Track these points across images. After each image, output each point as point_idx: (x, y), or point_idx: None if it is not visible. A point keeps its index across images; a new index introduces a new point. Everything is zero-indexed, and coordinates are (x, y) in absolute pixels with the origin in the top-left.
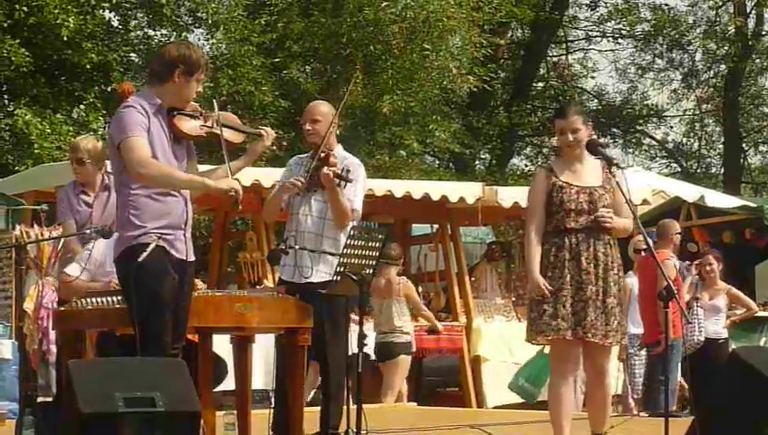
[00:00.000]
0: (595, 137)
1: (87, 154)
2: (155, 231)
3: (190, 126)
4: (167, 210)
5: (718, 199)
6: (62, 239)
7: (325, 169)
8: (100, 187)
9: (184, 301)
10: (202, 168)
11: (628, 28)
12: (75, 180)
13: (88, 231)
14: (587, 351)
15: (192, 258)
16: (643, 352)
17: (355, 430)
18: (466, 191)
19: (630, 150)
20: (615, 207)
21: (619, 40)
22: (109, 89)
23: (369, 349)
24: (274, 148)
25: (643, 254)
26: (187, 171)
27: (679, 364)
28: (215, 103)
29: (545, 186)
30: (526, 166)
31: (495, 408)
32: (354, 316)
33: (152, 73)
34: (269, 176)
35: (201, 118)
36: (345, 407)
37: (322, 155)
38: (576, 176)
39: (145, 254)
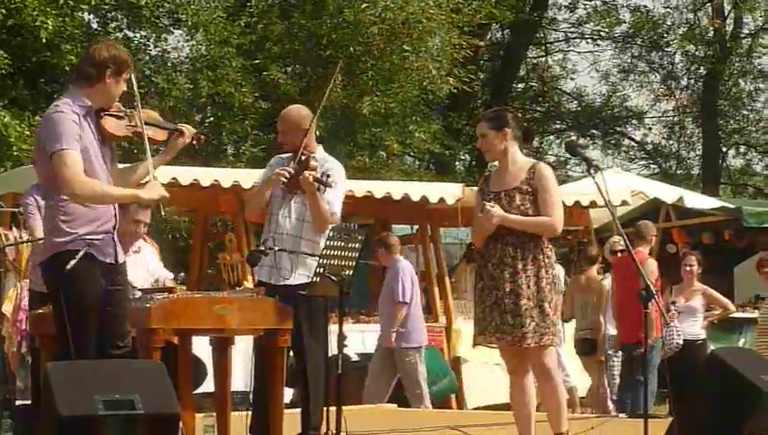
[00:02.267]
0: (574, 138)
1: None
2: (84, 237)
3: (117, 126)
4: (96, 215)
5: (697, 201)
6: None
7: (306, 174)
8: None
9: (121, 300)
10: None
11: (607, 30)
12: (38, 183)
13: None
14: (524, 354)
15: (123, 259)
16: (620, 354)
17: (335, 431)
18: (446, 192)
19: (610, 152)
20: (540, 206)
21: (598, 42)
22: None
23: (350, 350)
24: (194, 144)
25: (619, 255)
26: (112, 173)
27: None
28: (137, 100)
29: (479, 197)
30: None
31: (476, 409)
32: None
33: (82, 75)
34: (248, 177)
35: (126, 117)
36: (325, 408)
37: (302, 158)
38: (498, 182)
39: (73, 262)
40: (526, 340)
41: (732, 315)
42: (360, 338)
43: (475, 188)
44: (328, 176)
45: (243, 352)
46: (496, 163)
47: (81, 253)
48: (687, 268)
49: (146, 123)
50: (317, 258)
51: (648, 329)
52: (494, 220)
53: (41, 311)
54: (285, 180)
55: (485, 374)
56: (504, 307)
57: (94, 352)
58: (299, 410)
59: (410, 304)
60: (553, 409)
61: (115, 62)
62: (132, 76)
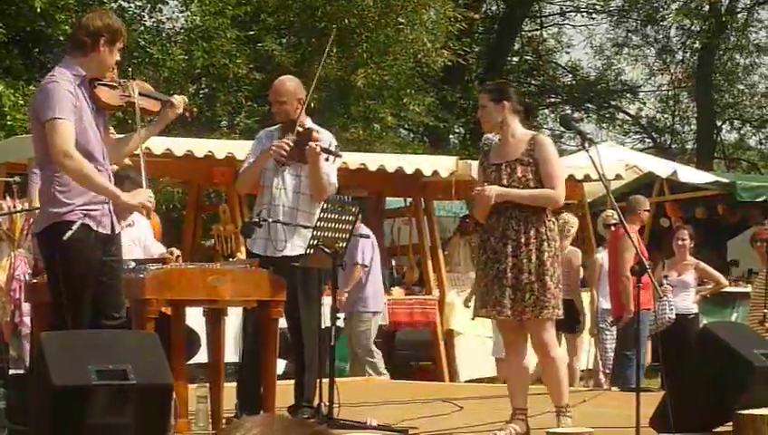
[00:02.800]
0: (569, 112)
1: None
2: (81, 208)
3: (111, 96)
4: None
5: (691, 175)
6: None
7: (312, 144)
8: None
9: (114, 271)
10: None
11: (602, 3)
12: None
13: None
14: (526, 327)
15: (118, 230)
16: (614, 328)
17: (327, 402)
18: (440, 165)
19: (604, 125)
20: (541, 178)
21: (594, 15)
22: None
23: (342, 322)
24: (186, 114)
25: (612, 229)
26: (106, 141)
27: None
28: (130, 73)
29: (481, 170)
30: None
31: (468, 382)
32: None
33: (76, 44)
34: (242, 149)
35: (120, 87)
36: (318, 380)
37: (300, 130)
38: (498, 153)
39: (70, 232)
40: (525, 313)
41: (725, 290)
42: None
43: (469, 162)
44: (337, 146)
45: (236, 323)
46: (490, 136)
47: (77, 223)
48: (680, 242)
49: (139, 94)
50: (311, 229)
51: (629, 302)
52: (492, 200)
53: (34, 281)
54: (285, 153)
55: (478, 347)
56: (505, 281)
57: (89, 322)
58: (291, 381)
59: (370, 269)
60: (553, 383)
61: (109, 31)
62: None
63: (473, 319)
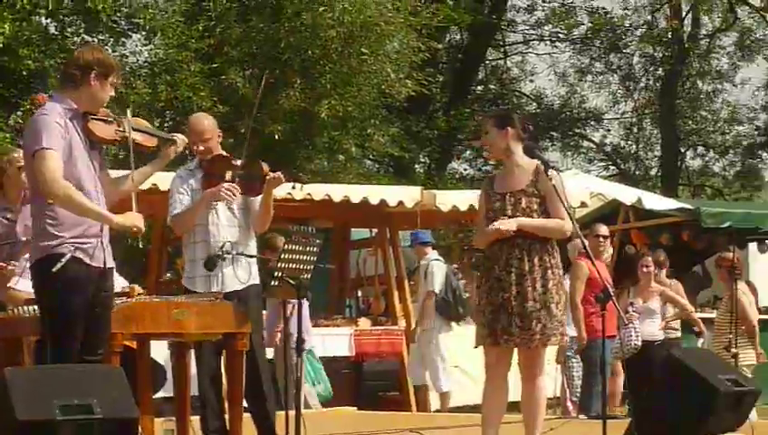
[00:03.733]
0: (531, 141)
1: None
2: (72, 241)
3: (105, 131)
4: (83, 219)
5: (656, 202)
6: None
7: (273, 175)
8: (21, 200)
9: (105, 307)
10: (114, 173)
11: (565, 32)
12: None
13: (24, 239)
14: (518, 355)
15: (111, 264)
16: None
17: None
18: (405, 195)
19: (569, 153)
20: (547, 209)
21: (557, 44)
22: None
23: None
24: (195, 150)
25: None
26: (103, 179)
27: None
28: (128, 108)
29: (484, 197)
30: (465, 170)
31: (436, 412)
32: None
33: (67, 78)
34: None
35: (114, 122)
36: (284, 412)
37: (241, 163)
38: (503, 182)
39: (59, 265)
40: (534, 341)
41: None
42: (319, 341)
43: (434, 192)
44: (300, 174)
45: None
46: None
47: (67, 256)
48: (645, 269)
49: (134, 129)
50: (253, 261)
51: (581, 329)
52: (512, 231)
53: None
54: (235, 197)
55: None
56: (510, 309)
57: (78, 356)
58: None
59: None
60: (534, 411)
61: (100, 65)
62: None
63: (476, 347)
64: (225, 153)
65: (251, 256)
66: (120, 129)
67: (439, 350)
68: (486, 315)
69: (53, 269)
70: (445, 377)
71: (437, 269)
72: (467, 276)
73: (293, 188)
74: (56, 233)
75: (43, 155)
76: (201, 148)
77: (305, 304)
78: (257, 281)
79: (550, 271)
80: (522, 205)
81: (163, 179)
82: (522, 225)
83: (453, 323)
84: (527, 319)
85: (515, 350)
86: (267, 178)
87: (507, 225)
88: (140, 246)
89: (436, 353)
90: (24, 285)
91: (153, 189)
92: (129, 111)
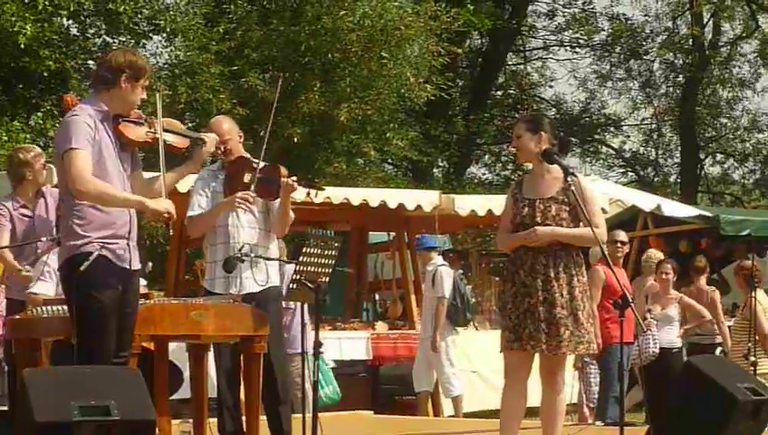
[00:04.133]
0: (549, 147)
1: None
2: (98, 241)
3: (136, 133)
4: (111, 220)
5: (675, 209)
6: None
7: (288, 180)
8: (35, 195)
9: (130, 309)
10: (147, 175)
11: (585, 38)
12: (14, 194)
13: (43, 239)
14: (540, 361)
15: (137, 266)
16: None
17: None
18: (423, 199)
19: (588, 159)
20: (576, 217)
21: (577, 49)
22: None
23: (326, 357)
24: (219, 153)
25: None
26: (132, 180)
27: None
28: (159, 108)
29: (511, 201)
30: (484, 174)
31: (451, 416)
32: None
33: (98, 80)
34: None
35: (146, 124)
36: (299, 416)
37: (261, 166)
38: (532, 189)
39: (87, 263)
40: (561, 348)
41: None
42: (336, 345)
43: (452, 196)
44: (312, 178)
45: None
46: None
47: (94, 254)
48: (663, 276)
49: (166, 130)
50: (273, 263)
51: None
52: (546, 240)
53: (17, 316)
54: (251, 203)
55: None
56: (537, 315)
57: (110, 355)
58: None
59: (293, 310)
60: (555, 419)
61: (131, 68)
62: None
63: (501, 352)
64: (247, 155)
65: (269, 259)
66: (152, 130)
67: (448, 354)
68: (513, 320)
69: (81, 268)
70: (456, 381)
71: (446, 274)
72: (483, 281)
73: (308, 194)
74: (83, 233)
75: (73, 155)
76: (222, 149)
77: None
78: (276, 283)
79: (576, 278)
80: (551, 212)
81: (181, 181)
82: (556, 234)
83: (459, 329)
84: (555, 326)
85: (536, 355)
86: (282, 183)
87: (538, 235)
88: (164, 247)
89: (445, 358)
90: (40, 287)
91: (172, 190)
92: (160, 112)
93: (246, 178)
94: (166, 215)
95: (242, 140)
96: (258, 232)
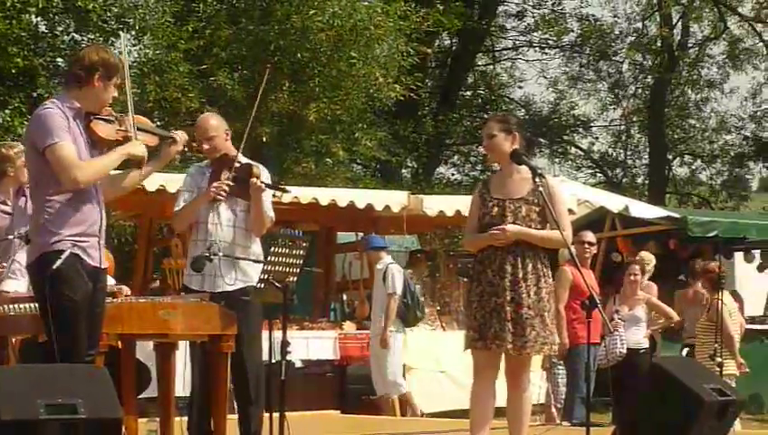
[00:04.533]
0: (518, 147)
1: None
2: (69, 238)
3: (107, 130)
4: (82, 218)
5: (643, 210)
6: None
7: (254, 181)
8: (15, 193)
9: (98, 307)
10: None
11: (555, 38)
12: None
13: (10, 237)
14: (506, 361)
15: (105, 265)
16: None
17: None
18: (392, 200)
19: (557, 160)
20: (550, 219)
21: (546, 50)
22: (35, 94)
23: (294, 356)
24: (187, 151)
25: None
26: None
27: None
28: (130, 107)
29: (478, 201)
30: (453, 175)
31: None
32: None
33: (71, 77)
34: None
35: (116, 122)
36: (267, 414)
37: (237, 165)
38: (500, 188)
39: (59, 262)
40: (526, 348)
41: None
42: (304, 344)
43: (421, 196)
44: (282, 182)
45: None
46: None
47: (66, 253)
48: (632, 278)
49: (137, 129)
50: (251, 263)
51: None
52: (510, 238)
53: None
54: (225, 193)
55: (431, 382)
56: (504, 315)
57: (83, 354)
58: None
59: None
60: (521, 419)
61: (104, 66)
62: (128, 81)
63: (465, 350)
64: (234, 153)
65: (238, 259)
66: (122, 128)
67: (395, 353)
68: (477, 319)
69: (54, 266)
70: (401, 380)
71: (397, 272)
72: (451, 281)
73: (274, 196)
74: (55, 230)
75: (57, 148)
76: (206, 146)
77: None
78: (254, 283)
79: (543, 279)
80: (522, 213)
81: (149, 179)
82: (521, 234)
83: (412, 329)
84: (521, 326)
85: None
86: (252, 183)
87: (508, 235)
88: (132, 245)
89: (392, 356)
90: (10, 285)
91: (140, 189)
92: (131, 110)
93: (223, 176)
94: (141, 155)
95: (228, 136)
96: (237, 230)
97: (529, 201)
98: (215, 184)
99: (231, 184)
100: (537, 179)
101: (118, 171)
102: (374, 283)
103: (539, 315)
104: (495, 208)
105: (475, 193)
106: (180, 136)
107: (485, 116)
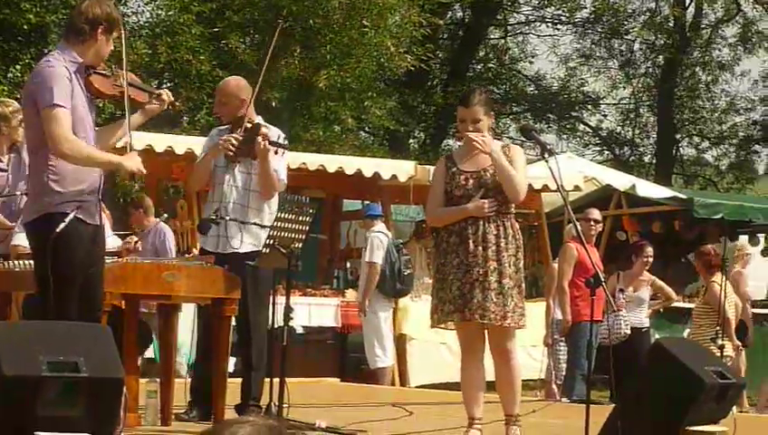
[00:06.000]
0: (530, 121)
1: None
2: (74, 200)
3: (104, 84)
4: (84, 176)
5: (649, 189)
6: None
7: (258, 139)
8: (8, 150)
9: (100, 265)
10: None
11: (567, 14)
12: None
13: (18, 193)
14: (488, 333)
15: (105, 221)
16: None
17: (277, 402)
18: (399, 169)
19: (565, 136)
20: None
21: (559, 26)
22: (46, 51)
23: (295, 322)
24: (170, 110)
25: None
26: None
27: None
28: (125, 60)
29: (443, 174)
30: (461, 146)
31: (418, 387)
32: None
33: (73, 30)
34: (202, 145)
35: (113, 77)
36: (268, 379)
37: (248, 126)
38: (471, 162)
39: (63, 225)
40: (507, 319)
41: (678, 305)
42: (306, 311)
43: (428, 167)
44: (285, 138)
45: (189, 319)
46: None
47: (70, 216)
48: (644, 259)
49: (129, 85)
50: (264, 227)
51: (566, 312)
52: (487, 148)
53: None
54: (232, 148)
55: (430, 353)
56: (487, 285)
57: (76, 314)
58: (239, 379)
59: None
60: (510, 391)
61: (107, 20)
62: (123, 36)
63: (432, 326)
64: (254, 117)
65: (245, 223)
66: (117, 83)
67: (377, 324)
68: (453, 292)
69: (57, 229)
70: (381, 352)
71: (378, 241)
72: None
73: (276, 154)
74: (59, 189)
75: (56, 114)
76: (219, 109)
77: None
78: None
79: (520, 251)
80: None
81: (157, 141)
82: (496, 154)
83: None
84: (503, 296)
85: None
86: (257, 143)
87: (489, 143)
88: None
89: (373, 328)
90: (19, 239)
91: (148, 150)
92: (126, 64)
93: (236, 135)
94: (137, 174)
95: (245, 102)
96: (251, 193)
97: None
98: (222, 137)
99: (239, 140)
100: (546, 154)
101: (104, 126)
102: (362, 251)
103: (517, 286)
104: (470, 181)
105: (440, 168)
106: (167, 94)
107: (496, 90)
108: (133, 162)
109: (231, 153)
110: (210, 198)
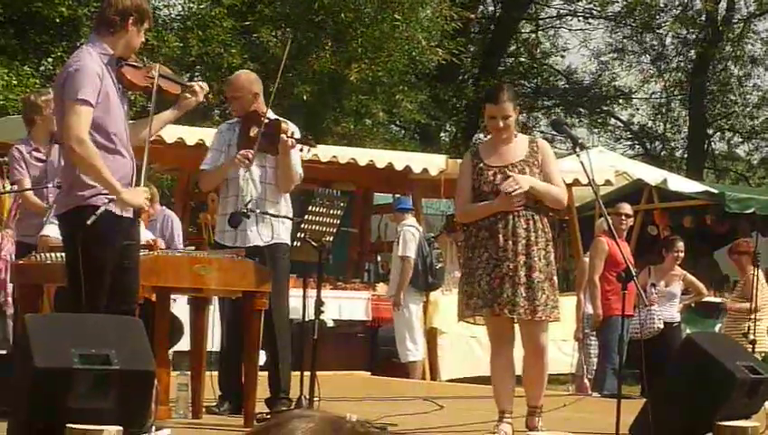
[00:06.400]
0: (561, 115)
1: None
2: (105, 192)
3: (136, 76)
4: (116, 168)
5: (681, 184)
6: (20, 198)
7: (284, 137)
8: (48, 140)
9: (133, 259)
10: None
11: (599, 8)
12: (29, 137)
13: (50, 185)
14: (520, 327)
15: (138, 217)
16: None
17: (308, 396)
18: (430, 163)
19: (596, 130)
20: (546, 179)
21: (590, 20)
22: (78, 44)
23: (326, 316)
24: (206, 102)
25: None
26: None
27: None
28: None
29: (470, 169)
30: None
31: (449, 381)
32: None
33: (104, 22)
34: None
35: (144, 68)
36: (298, 373)
37: (267, 121)
38: (498, 157)
39: (94, 217)
40: (537, 313)
41: (709, 300)
42: (336, 304)
43: (459, 161)
44: (309, 136)
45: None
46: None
47: (102, 208)
48: (675, 254)
49: (161, 76)
50: (281, 220)
51: (597, 307)
52: (525, 187)
53: (21, 262)
54: (249, 162)
55: (461, 347)
56: (517, 279)
57: (106, 307)
58: (265, 372)
59: None
60: (538, 384)
61: (138, 11)
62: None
63: (460, 320)
64: (264, 110)
65: (275, 216)
66: (149, 75)
67: (409, 317)
68: (482, 286)
69: (88, 222)
70: (413, 346)
71: (410, 235)
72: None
73: (301, 151)
74: (90, 182)
75: (78, 108)
76: (231, 103)
77: None
78: (285, 240)
79: (550, 244)
80: (526, 175)
81: (188, 134)
82: (535, 184)
83: (440, 293)
84: (533, 290)
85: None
86: (281, 139)
87: (519, 184)
88: (169, 199)
89: (405, 321)
90: (49, 229)
91: (179, 143)
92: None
93: (253, 132)
94: (140, 209)
95: (257, 95)
96: (267, 186)
97: (530, 163)
98: (241, 152)
99: (259, 143)
100: (577, 149)
101: (138, 120)
102: (393, 245)
103: (548, 279)
104: (498, 176)
105: (466, 164)
106: (202, 86)
107: (527, 84)
108: (134, 198)
109: (248, 165)
110: (225, 194)
